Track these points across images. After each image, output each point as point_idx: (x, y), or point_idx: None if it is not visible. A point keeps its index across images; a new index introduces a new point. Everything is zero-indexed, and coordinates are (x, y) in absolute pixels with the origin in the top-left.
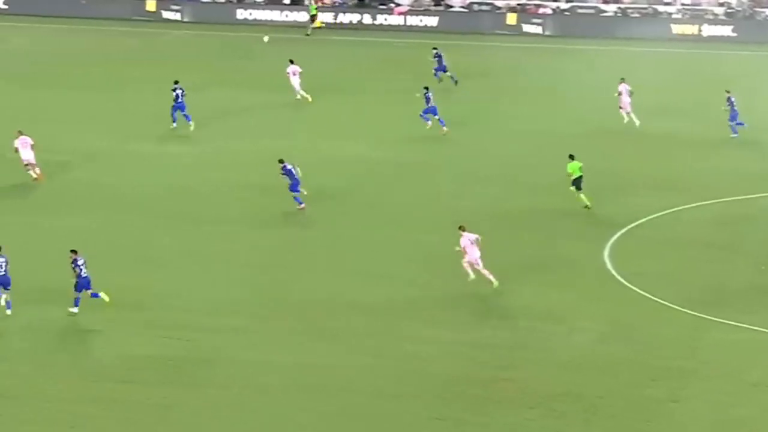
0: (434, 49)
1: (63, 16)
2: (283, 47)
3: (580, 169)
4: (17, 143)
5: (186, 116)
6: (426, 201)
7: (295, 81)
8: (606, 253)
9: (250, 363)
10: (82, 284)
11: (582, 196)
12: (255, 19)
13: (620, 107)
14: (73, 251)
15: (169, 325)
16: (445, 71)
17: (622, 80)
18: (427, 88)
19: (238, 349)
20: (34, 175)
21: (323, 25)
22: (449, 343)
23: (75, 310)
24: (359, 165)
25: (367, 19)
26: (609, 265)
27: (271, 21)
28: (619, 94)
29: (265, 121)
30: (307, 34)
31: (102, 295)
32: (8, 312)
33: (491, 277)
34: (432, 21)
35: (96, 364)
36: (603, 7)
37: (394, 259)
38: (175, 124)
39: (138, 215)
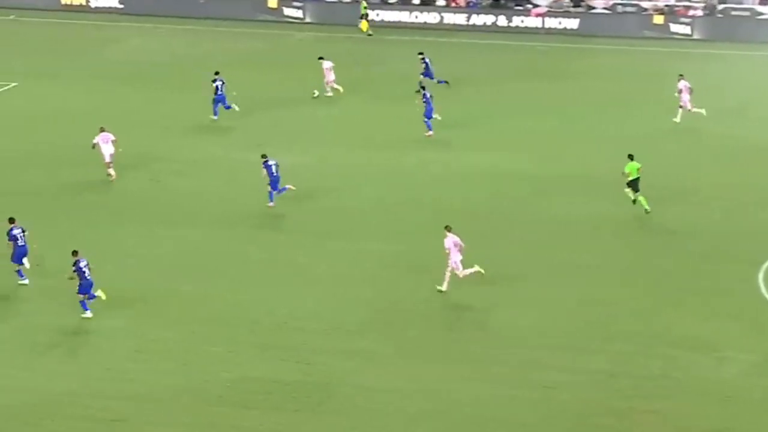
0: (420, 54)
1: (180, 16)
2: (411, 50)
3: (638, 170)
4: (97, 140)
5: (227, 107)
6: (584, 217)
7: (330, 77)
8: (761, 276)
9: (370, 388)
10: (85, 286)
11: (641, 199)
12: (382, 20)
13: (680, 106)
14: (75, 252)
15: (286, 346)
16: (431, 78)
17: (681, 77)
18: (423, 87)
19: (357, 373)
20: (113, 174)
21: (367, 29)
22: (582, 371)
23: (89, 314)
24: (502, 178)
25: (502, 21)
26: (764, 290)
27: (399, 22)
28: (680, 91)
29: (390, 132)
30: (369, 34)
31: (99, 293)
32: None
33: (475, 269)
34: (572, 23)
35: (211, 388)
36: (760, 8)
37: (526, 280)
38: (216, 116)
39: (249, 228)
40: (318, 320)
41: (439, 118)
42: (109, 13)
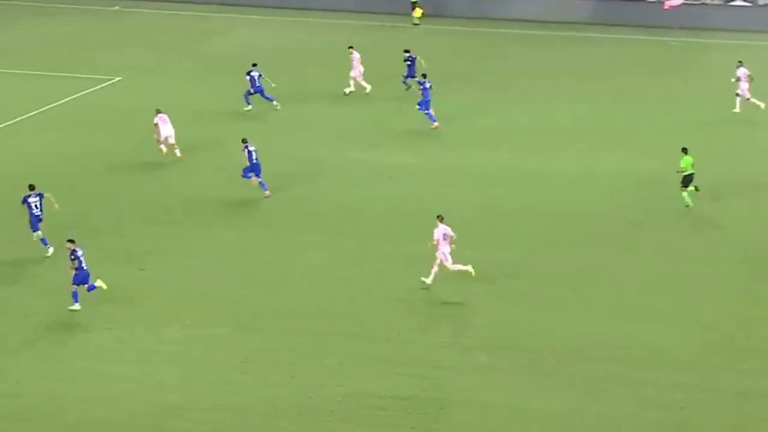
0: (406, 52)
1: (290, 8)
2: (525, 45)
3: (692, 165)
4: (157, 120)
5: (268, 98)
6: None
7: (358, 70)
8: None
9: (493, 406)
10: (81, 277)
11: (685, 193)
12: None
13: (737, 94)
14: (71, 241)
15: (405, 360)
16: (414, 77)
17: (741, 64)
18: (425, 75)
19: (479, 389)
20: (165, 150)
21: (420, 17)
22: (713, 389)
23: (77, 306)
24: (644, 183)
25: (628, 13)
26: None
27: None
28: (738, 79)
29: (504, 130)
30: (415, 24)
31: (99, 283)
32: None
33: (466, 267)
34: (707, 16)
35: (321, 402)
36: None
37: (653, 294)
38: (250, 106)
39: (364, 235)
40: (435, 333)
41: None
42: (215, 4)
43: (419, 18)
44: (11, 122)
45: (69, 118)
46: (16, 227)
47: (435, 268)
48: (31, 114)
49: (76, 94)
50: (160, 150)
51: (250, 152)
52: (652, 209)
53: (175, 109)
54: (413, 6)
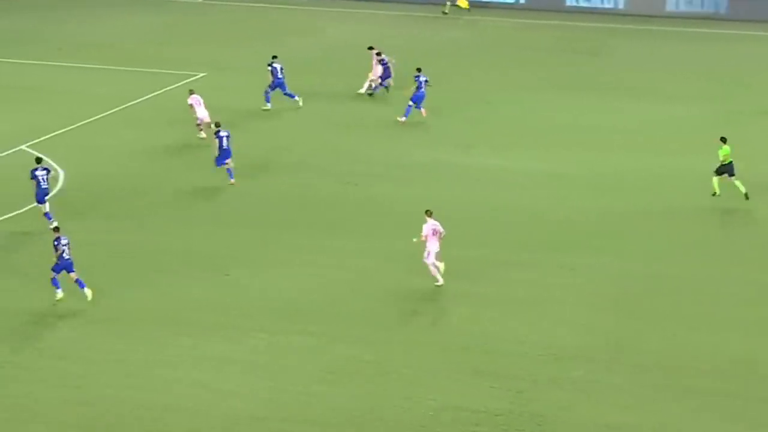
0: (377, 53)
1: (383, 0)
2: (629, 40)
3: (730, 154)
4: (191, 101)
5: (289, 95)
6: None
7: (377, 71)
8: None
9: (594, 425)
10: (62, 265)
11: (715, 180)
12: (584, 8)
13: None
14: (56, 229)
15: (498, 372)
16: (390, 77)
17: None
18: (419, 70)
19: (578, 405)
20: (203, 135)
21: (468, 7)
22: None
23: (59, 293)
24: None
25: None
26: None
27: (602, 9)
28: None
29: (618, 133)
30: (444, 12)
31: (86, 291)
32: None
33: (438, 276)
34: None
35: (411, 416)
36: None
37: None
38: (269, 105)
39: (466, 241)
40: (530, 345)
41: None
42: None
43: (465, 6)
44: (91, 120)
45: (150, 115)
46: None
47: (431, 266)
48: (112, 111)
49: (158, 90)
50: (199, 135)
51: (220, 138)
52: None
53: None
54: None
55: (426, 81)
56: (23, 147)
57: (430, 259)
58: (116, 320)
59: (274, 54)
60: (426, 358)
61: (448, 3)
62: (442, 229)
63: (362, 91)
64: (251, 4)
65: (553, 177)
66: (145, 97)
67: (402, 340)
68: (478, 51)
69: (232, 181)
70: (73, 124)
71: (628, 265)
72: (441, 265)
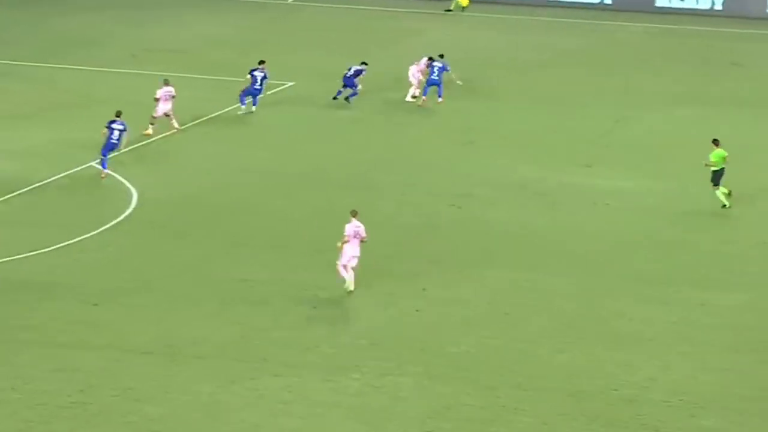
0: (363, 64)
1: (495, 2)
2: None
3: (725, 159)
4: (160, 94)
5: (255, 103)
6: None
7: (415, 77)
8: None
9: None
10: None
11: (719, 192)
12: (675, 8)
13: None
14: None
15: (620, 420)
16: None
17: None
18: (431, 59)
19: None
20: (150, 131)
21: (467, 3)
22: None
23: (105, 172)
24: None
25: None
26: None
27: (691, 10)
28: None
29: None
30: (448, 10)
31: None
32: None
33: (350, 279)
34: None
35: None
36: None
37: None
38: (244, 106)
39: (583, 275)
40: (656, 390)
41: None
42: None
43: (465, 5)
44: (165, 134)
45: (232, 128)
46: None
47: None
48: (193, 123)
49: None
50: (148, 129)
51: (112, 129)
52: None
53: (346, 123)
54: None
55: (443, 68)
56: (93, 164)
57: (343, 260)
58: (195, 358)
59: (261, 60)
60: (539, 403)
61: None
62: (364, 234)
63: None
64: (346, 6)
65: (690, 201)
66: (225, 110)
67: (512, 383)
68: (594, 59)
69: (106, 172)
70: (149, 138)
71: (764, 301)
72: (351, 274)
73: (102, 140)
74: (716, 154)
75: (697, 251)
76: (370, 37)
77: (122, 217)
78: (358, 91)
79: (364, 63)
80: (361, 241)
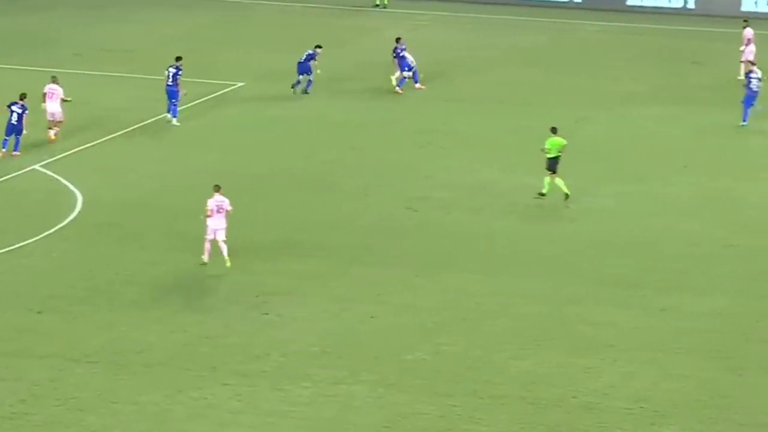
0: (317, 48)
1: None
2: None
3: (561, 147)
4: (46, 90)
5: (172, 108)
6: None
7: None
8: None
9: None
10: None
11: (559, 181)
12: (646, 7)
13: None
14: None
15: (578, 430)
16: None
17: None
18: (398, 39)
19: None
20: (52, 137)
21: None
22: None
23: (3, 150)
24: None
25: None
26: None
27: (663, 9)
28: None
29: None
30: (377, 5)
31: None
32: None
33: (225, 254)
34: None
35: None
36: None
37: None
38: (170, 116)
39: (544, 278)
40: (617, 397)
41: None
42: None
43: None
44: (113, 135)
45: (181, 130)
46: None
47: (207, 242)
48: (138, 125)
49: (189, 103)
50: (48, 134)
51: (12, 112)
52: None
53: (303, 119)
54: None
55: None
56: (36, 167)
57: (210, 235)
58: (144, 366)
59: (178, 56)
60: (497, 412)
61: None
62: (228, 207)
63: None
64: (301, 4)
65: (654, 202)
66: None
67: (469, 391)
68: (557, 58)
69: (3, 151)
70: (91, 141)
71: (742, 308)
72: (224, 247)
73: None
74: (552, 142)
75: (662, 254)
76: (326, 35)
77: (67, 221)
78: (312, 78)
79: (318, 46)
80: (227, 215)
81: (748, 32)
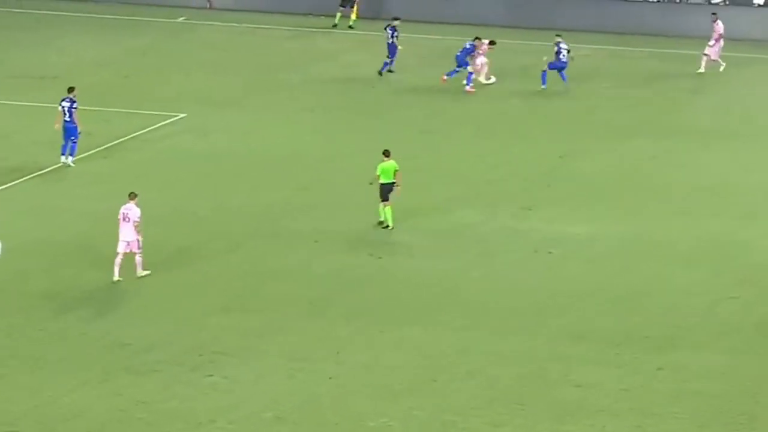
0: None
1: (427, 21)
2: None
3: (394, 173)
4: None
5: (66, 147)
6: None
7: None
8: None
9: None
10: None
11: (387, 210)
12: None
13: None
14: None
15: None
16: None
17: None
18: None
19: None
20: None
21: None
22: None
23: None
24: None
25: None
26: None
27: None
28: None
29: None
30: (335, 24)
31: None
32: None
33: (138, 270)
34: None
35: None
36: None
37: None
38: (66, 159)
39: (523, 334)
40: None
41: None
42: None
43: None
44: (33, 175)
45: (112, 168)
46: None
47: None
48: (63, 160)
49: (124, 137)
50: None
51: None
52: None
53: (253, 155)
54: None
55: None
56: None
57: (120, 248)
58: None
59: (70, 87)
60: None
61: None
62: (135, 217)
63: (485, 81)
64: (248, 25)
65: (645, 247)
66: (104, 146)
67: None
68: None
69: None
70: (12, 181)
71: (748, 367)
72: (140, 261)
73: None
74: (383, 167)
75: (655, 305)
76: (276, 59)
77: None
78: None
79: (395, 18)
80: (136, 227)
81: (719, 27)
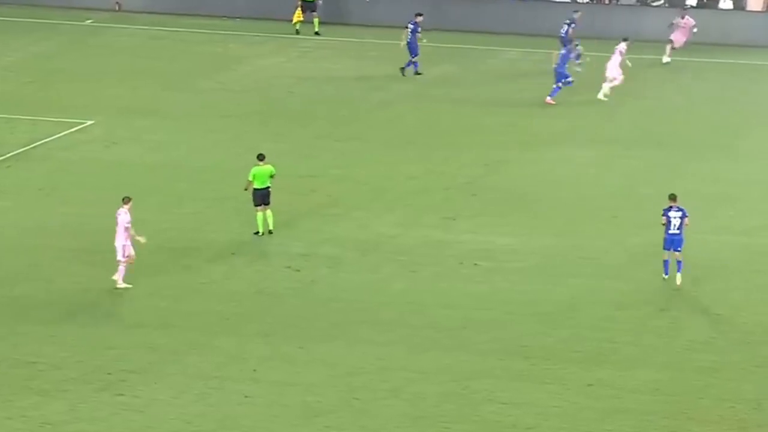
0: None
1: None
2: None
3: (270, 177)
4: None
5: None
6: None
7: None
8: None
9: None
10: None
11: (266, 214)
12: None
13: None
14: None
15: None
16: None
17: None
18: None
19: None
20: None
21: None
22: None
23: None
24: None
25: None
26: None
27: None
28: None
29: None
30: (297, 30)
31: None
32: None
33: (120, 277)
34: None
35: None
36: None
37: None
38: None
39: (447, 350)
40: None
41: None
42: (232, 17)
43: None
44: None
45: (14, 180)
46: None
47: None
48: None
49: (27, 145)
50: None
51: None
52: None
53: (166, 165)
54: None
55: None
56: None
57: (119, 255)
58: None
59: None
60: None
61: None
62: (124, 223)
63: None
64: (158, 28)
65: (577, 260)
66: (7, 155)
67: None
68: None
69: None
70: None
71: (681, 383)
72: (120, 268)
73: None
74: (256, 171)
75: (586, 319)
76: (189, 64)
77: None
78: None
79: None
80: (129, 233)
81: (689, 21)
